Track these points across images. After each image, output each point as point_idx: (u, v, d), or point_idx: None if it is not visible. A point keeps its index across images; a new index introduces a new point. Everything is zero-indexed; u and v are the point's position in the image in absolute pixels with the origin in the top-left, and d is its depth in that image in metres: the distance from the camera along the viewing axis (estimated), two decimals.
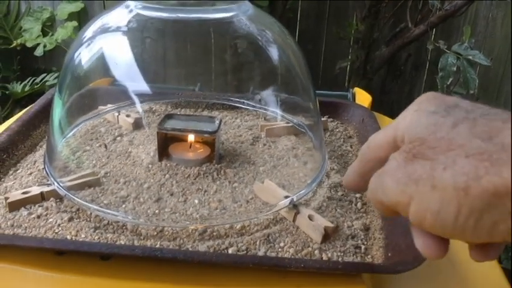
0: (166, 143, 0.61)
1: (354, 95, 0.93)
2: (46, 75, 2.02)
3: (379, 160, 0.32)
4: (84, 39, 0.63)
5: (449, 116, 0.28)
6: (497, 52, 1.96)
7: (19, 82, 2.03)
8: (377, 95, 1.66)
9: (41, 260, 0.48)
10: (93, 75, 0.65)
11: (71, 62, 0.62)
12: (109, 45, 0.63)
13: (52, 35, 2.07)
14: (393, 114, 0.50)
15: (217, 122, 0.62)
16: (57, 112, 0.62)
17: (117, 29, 0.63)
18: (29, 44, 2.06)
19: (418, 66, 2.05)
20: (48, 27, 2.11)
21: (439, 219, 0.26)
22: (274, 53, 0.63)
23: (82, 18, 2.09)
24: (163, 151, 0.61)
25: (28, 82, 2.01)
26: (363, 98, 0.92)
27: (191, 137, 0.61)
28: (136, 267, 0.47)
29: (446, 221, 0.26)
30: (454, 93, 1.50)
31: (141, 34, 0.65)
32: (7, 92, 1.99)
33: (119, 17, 0.63)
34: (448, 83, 1.44)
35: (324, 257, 0.49)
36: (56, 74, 2.04)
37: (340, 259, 0.49)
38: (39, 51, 2.04)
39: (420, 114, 0.29)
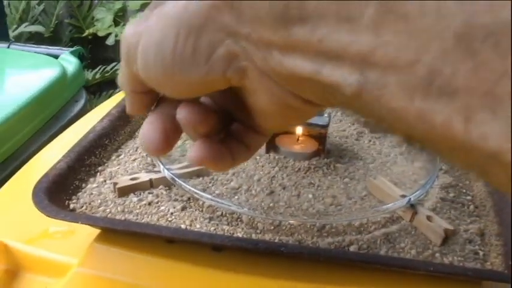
0: (272, 135, 0.60)
1: None
2: (116, 64, 2.06)
3: None
4: None
5: None
6: None
7: (90, 70, 2.07)
8: None
9: (152, 247, 0.48)
10: None
11: None
12: None
13: (124, 25, 2.11)
14: None
15: (326, 115, 0.60)
16: None
17: None
18: (100, 34, 2.11)
19: None
20: (119, 18, 2.15)
21: (161, 51, 0.24)
22: None
23: None
24: (270, 143, 0.59)
25: (99, 70, 2.05)
26: None
27: (299, 130, 0.60)
28: (246, 260, 0.46)
29: (167, 50, 0.23)
30: None
31: None
32: None
33: None
34: None
35: (446, 261, 0.47)
36: None
37: (461, 264, 0.47)
38: (110, 41, 2.08)
39: None
